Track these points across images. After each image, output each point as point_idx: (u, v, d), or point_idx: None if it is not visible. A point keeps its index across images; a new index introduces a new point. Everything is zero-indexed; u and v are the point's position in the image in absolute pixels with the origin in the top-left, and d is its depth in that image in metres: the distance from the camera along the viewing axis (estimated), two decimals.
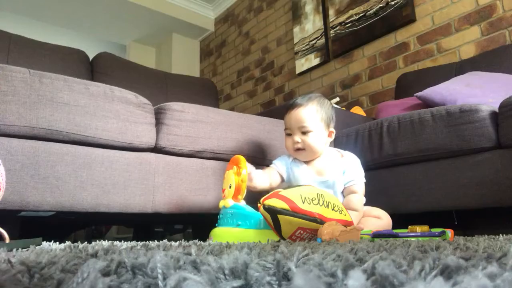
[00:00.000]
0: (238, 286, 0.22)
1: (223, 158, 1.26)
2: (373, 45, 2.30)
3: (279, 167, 1.19)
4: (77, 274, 0.22)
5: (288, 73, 2.89)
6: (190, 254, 0.35)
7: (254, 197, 1.25)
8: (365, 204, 1.20)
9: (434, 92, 1.49)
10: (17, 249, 0.49)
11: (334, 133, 1.18)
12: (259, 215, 0.90)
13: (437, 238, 0.74)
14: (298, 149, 1.14)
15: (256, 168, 1.31)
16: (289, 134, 1.16)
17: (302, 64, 2.71)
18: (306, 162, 1.18)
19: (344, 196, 1.14)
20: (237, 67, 3.44)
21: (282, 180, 1.19)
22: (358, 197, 1.11)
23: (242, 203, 0.99)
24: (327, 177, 1.14)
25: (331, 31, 2.53)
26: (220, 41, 3.71)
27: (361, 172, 1.17)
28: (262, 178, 1.13)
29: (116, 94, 1.07)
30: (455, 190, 1.16)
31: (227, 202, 0.98)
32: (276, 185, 1.18)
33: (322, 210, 0.83)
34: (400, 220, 1.17)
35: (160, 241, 0.80)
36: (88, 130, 1.00)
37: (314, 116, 1.12)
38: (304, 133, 1.12)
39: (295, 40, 2.79)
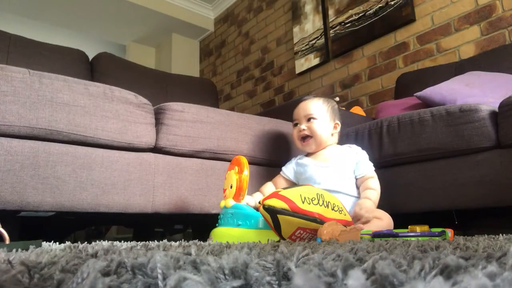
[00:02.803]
0: (238, 286, 0.22)
1: (223, 158, 1.26)
2: (372, 45, 2.30)
3: (285, 172, 1.28)
4: (77, 274, 0.22)
5: (287, 73, 2.89)
6: (190, 254, 0.35)
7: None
8: None
9: (434, 92, 1.49)
10: (16, 250, 0.49)
11: (340, 125, 1.28)
12: (259, 215, 0.90)
13: (437, 238, 0.75)
14: (305, 138, 1.23)
15: (257, 167, 1.33)
16: (296, 125, 1.27)
17: (302, 64, 2.71)
18: (311, 155, 1.26)
19: (356, 185, 1.21)
20: (237, 67, 3.44)
21: (292, 182, 1.27)
22: (375, 180, 1.19)
23: (243, 203, 0.99)
24: (331, 163, 1.21)
25: (331, 31, 2.53)
26: (220, 41, 3.71)
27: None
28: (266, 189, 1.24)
29: (116, 94, 1.07)
30: (455, 190, 1.16)
31: (228, 202, 0.98)
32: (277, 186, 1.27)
33: (322, 210, 0.83)
34: (400, 220, 1.17)
35: (160, 241, 0.80)
36: (88, 130, 1.00)
37: (320, 107, 1.24)
38: (309, 121, 1.22)
39: (295, 40, 2.79)
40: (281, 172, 1.29)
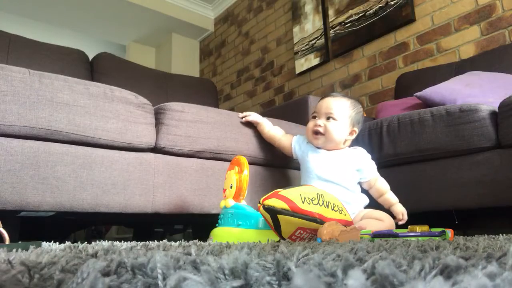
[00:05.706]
0: (238, 286, 0.22)
1: (223, 158, 1.26)
2: (372, 45, 2.30)
3: (295, 140, 1.28)
4: (77, 274, 0.22)
5: (287, 73, 2.89)
6: (190, 254, 0.35)
7: (255, 197, 1.26)
8: (367, 206, 1.20)
9: (434, 92, 1.49)
10: (16, 250, 0.49)
11: (356, 133, 1.23)
12: (259, 215, 0.90)
13: (437, 238, 0.75)
14: (317, 133, 1.19)
15: (257, 167, 1.32)
16: (314, 117, 1.22)
17: (302, 64, 2.71)
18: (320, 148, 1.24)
19: (365, 184, 1.23)
20: (237, 67, 3.44)
21: (290, 152, 1.28)
22: (383, 179, 1.22)
23: (243, 203, 0.99)
24: (336, 154, 1.20)
25: (331, 31, 2.53)
26: (220, 41, 3.71)
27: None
28: (274, 129, 1.28)
29: (116, 94, 1.07)
30: (455, 190, 1.16)
31: (228, 202, 0.98)
32: (281, 145, 1.31)
33: (322, 210, 0.83)
34: None
35: (160, 241, 0.80)
36: (88, 131, 1.00)
37: (344, 109, 1.19)
38: (328, 119, 1.18)
39: (295, 40, 2.79)
40: (294, 136, 1.29)
